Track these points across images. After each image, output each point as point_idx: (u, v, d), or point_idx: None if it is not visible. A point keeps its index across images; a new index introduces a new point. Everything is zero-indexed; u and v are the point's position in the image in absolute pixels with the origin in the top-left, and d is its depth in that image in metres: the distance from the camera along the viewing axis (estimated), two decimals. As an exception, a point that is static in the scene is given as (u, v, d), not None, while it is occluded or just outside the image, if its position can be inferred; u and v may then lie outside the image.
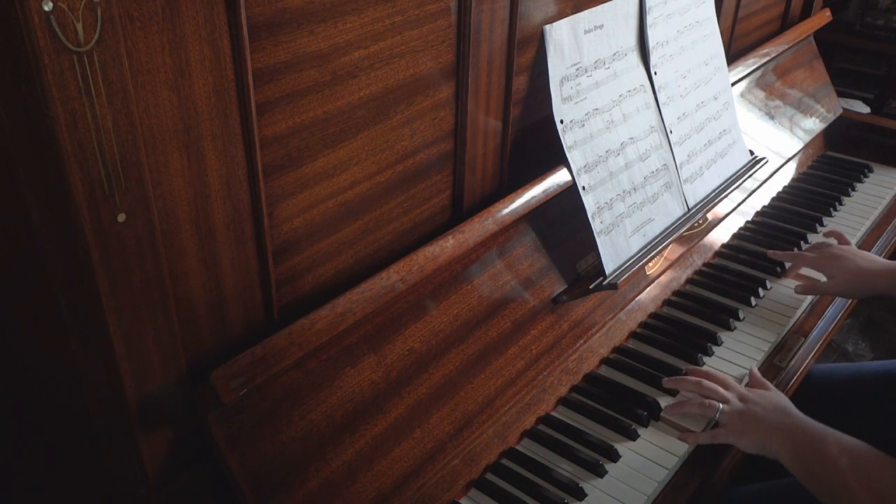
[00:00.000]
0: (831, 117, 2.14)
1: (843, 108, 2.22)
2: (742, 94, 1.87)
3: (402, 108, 1.09)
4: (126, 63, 0.72)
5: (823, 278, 1.55)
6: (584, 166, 1.32)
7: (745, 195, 1.77)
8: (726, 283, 1.60)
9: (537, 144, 1.36)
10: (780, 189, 1.97)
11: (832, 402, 1.50)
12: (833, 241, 1.68)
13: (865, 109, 3.08)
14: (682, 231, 1.48)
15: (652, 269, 1.50)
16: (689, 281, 1.61)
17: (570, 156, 1.30)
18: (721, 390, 1.25)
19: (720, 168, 1.63)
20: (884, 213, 1.94)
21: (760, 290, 1.57)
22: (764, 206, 1.89)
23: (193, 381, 0.91)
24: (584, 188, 1.31)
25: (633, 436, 1.23)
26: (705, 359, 1.41)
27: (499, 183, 1.32)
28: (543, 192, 1.27)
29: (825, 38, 2.27)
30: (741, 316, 1.50)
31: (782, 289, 1.60)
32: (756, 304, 1.54)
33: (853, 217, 1.89)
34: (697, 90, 1.59)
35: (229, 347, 0.96)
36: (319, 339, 0.98)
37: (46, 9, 0.64)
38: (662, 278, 1.54)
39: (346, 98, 1.00)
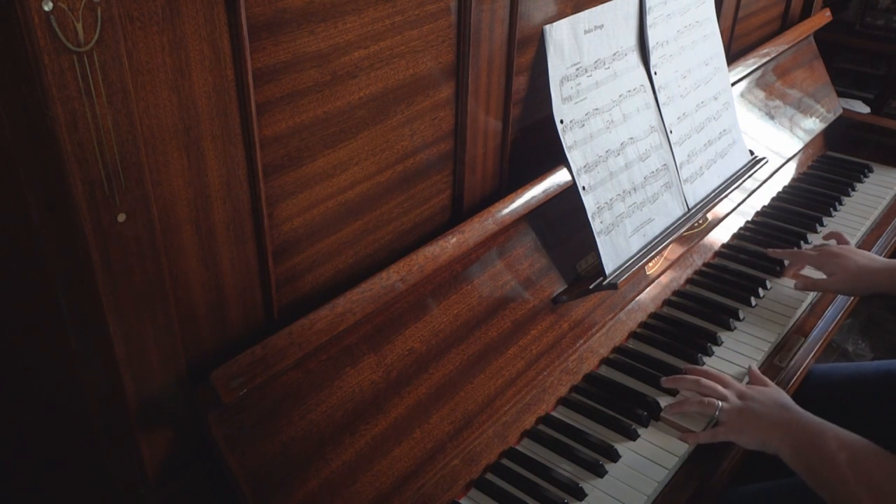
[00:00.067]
0: (831, 117, 2.14)
1: (843, 108, 2.22)
2: (742, 94, 1.87)
3: (402, 108, 1.09)
4: (126, 63, 0.72)
5: (824, 277, 1.55)
6: (584, 166, 1.32)
7: (745, 195, 1.77)
8: (726, 283, 1.60)
9: (537, 144, 1.36)
10: (780, 189, 1.97)
11: (832, 402, 1.50)
12: (832, 242, 1.68)
13: (865, 109, 3.08)
14: (682, 231, 1.48)
15: (652, 269, 1.50)
16: (689, 281, 1.61)
17: (570, 156, 1.30)
18: (720, 388, 1.25)
19: (720, 168, 1.63)
20: (884, 213, 1.94)
21: (760, 290, 1.57)
22: (764, 206, 1.89)
23: (193, 381, 0.91)
24: (584, 188, 1.31)
25: (633, 436, 1.23)
26: (705, 359, 1.41)
27: (499, 183, 1.32)
28: (543, 192, 1.27)
29: (825, 38, 2.27)
30: (741, 316, 1.50)
31: (782, 289, 1.60)
32: (756, 304, 1.54)
33: (853, 217, 1.89)
34: (697, 90, 1.59)
35: (229, 347, 0.96)
36: (319, 339, 0.98)
37: (46, 9, 0.64)
38: (662, 278, 1.54)
39: (346, 98, 1.00)
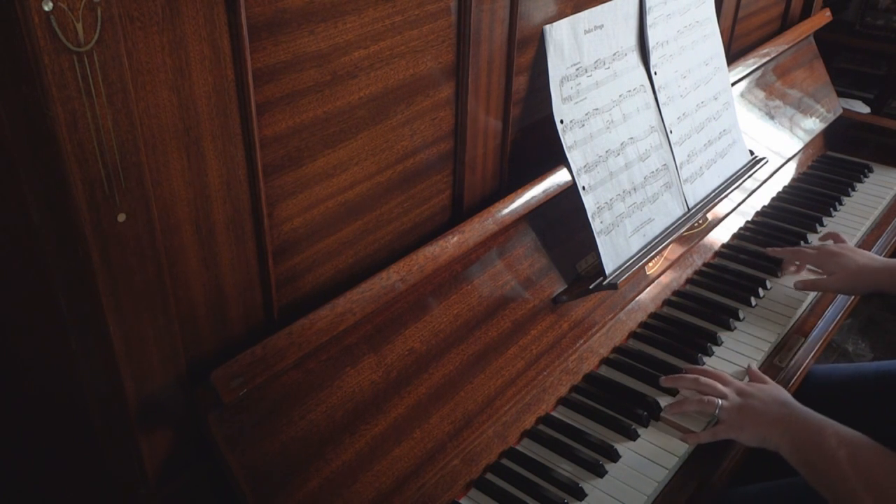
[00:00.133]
0: (831, 117, 2.14)
1: (843, 108, 2.22)
2: (742, 94, 1.87)
3: (402, 108, 1.09)
4: (126, 63, 0.72)
5: (823, 276, 1.55)
6: (584, 166, 1.32)
7: (745, 195, 1.77)
8: (726, 283, 1.60)
9: (537, 144, 1.36)
10: (780, 189, 1.97)
11: (832, 402, 1.50)
12: (830, 242, 1.68)
13: (865, 109, 3.08)
14: (682, 231, 1.48)
15: (652, 269, 1.50)
16: (689, 281, 1.61)
17: (570, 156, 1.30)
18: (719, 386, 1.25)
19: (720, 168, 1.63)
20: (884, 213, 1.94)
21: (760, 290, 1.57)
22: (764, 206, 1.89)
23: (193, 381, 0.91)
24: (584, 188, 1.31)
25: (633, 436, 1.23)
26: (705, 359, 1.41)
27: (499, 183, 1.32)
28: (543, 192, 1.27)
29: (825, 38, 2.27)
30: (741, 316, 1.50)
31: (782, 289, 1.60)
32: (756, 304, 1.54)
33: (853, 217, 1.89)
34: (697, 90, 1.59)
35: (229, 347, 0.96)
36: (319, 339, 0.98)
37: (46, 9, 0.64)
38: (662, 278, 1.55)
39: (346, 98, 1.00)
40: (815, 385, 1.52)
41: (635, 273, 1.34)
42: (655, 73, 1.47)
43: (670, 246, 1.51)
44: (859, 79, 3.47)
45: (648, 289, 1.51)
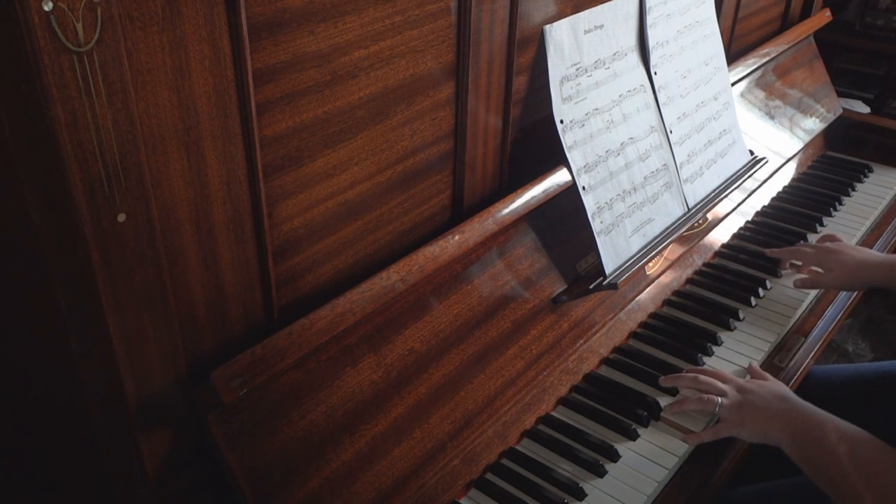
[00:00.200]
0: (831, 117, 2.14)
1: (843, 108, 2.22)
2: (742, 94, 1.87)
3: (402, 108, 1.09)
4: (126, 63, 0.72)
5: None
6: (584, 166, 1.32)
7: (745, 195, 1.77)
8: (726, 283, 1.60)
9: (537, 144, 1.36)
10: (780, 189, 1.97)
11: (832, 402, 1.50)
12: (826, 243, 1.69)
13: (865, 109, 3.08)
14: (682, 231, 1.48)
15: (652, 269, 1.50)
16: (689, 281, 1.61)
17: (570, 156, 1.30)
18: (718, 384, 1.25)
19: (720, 168, 1.63)
20: (884, 213, 1.94)
21: (760, 290, 1.57)
22: (764, 206, 1.89)
23: (193, 381, 0.91)
24: (584, 188, 1.31)
25: (633, 436, 1.23)
26: (705, 359, 1.41)
27: (499, 183, 1.32)
28: (543, 192, 1.27)
29: (825, 38, 2.27)
30: (741, 316, 1.50)
31: (782, 289, 1.60)
32: (756, 304, 1.54)
33: (853, 217, 1.89)
34: (697, 90, 1.59)
35: (229, 347, 0.96)
36: (319, 339, 0.98)
37: (46, 9, 0.64)
38: (662, 278, 1.55)
39: (346, 98, 1.00)
40: (815, 385, 1.52)
41: (635, 273, 1.34)
42: (655, 73, 1.47)
43: (670, 246, 1.51)
44: (859, 79, 3.47)
45: (648, 289, 1.51)
